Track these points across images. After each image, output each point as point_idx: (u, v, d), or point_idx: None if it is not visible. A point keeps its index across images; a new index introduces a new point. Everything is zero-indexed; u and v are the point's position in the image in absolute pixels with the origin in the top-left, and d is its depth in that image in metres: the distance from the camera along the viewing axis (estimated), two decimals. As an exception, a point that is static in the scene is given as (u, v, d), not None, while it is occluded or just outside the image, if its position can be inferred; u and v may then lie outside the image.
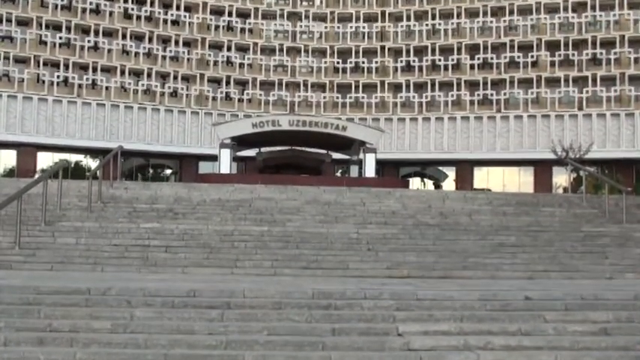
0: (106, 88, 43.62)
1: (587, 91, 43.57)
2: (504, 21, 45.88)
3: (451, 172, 47.03)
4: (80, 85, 43.15)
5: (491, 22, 46.18)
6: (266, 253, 13.49)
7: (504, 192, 33.72)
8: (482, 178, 46.30)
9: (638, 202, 19.08)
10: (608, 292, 9.26)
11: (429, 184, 48.49)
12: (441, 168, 47.83)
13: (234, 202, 17.82)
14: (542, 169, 43.80)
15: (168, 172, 48.16)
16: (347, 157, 37.24)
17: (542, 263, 13.36)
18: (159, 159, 46.80)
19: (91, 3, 44.30)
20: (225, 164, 31.62)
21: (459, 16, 46.73)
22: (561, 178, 42.76)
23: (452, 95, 45.47)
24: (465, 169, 45.68)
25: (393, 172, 46.19)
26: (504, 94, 44.85)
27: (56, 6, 43.50)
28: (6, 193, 14.99)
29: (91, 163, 43.97)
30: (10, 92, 41.40)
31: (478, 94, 45.10)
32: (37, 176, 35.99)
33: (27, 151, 41.81)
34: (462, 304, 8.57)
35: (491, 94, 44.97)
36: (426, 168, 48.14)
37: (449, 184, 46.91)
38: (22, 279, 9.85)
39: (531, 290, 9.34)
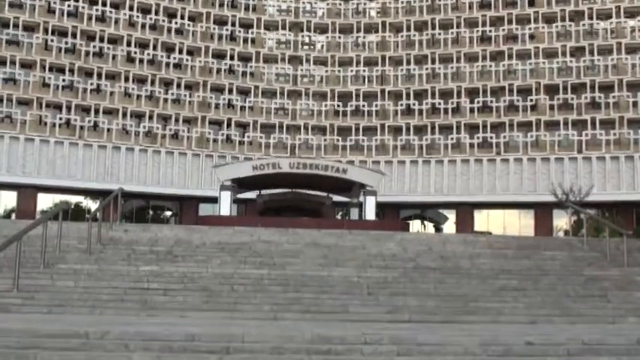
0: (108, 130, 43.83)
1: (586, 134, 43.76)
2: (503, 65, 46.29)
3: (451, 215, 46.97)
4: (82, 127, 43.36)
5: (491, 66, 46.60)
6: (266, 296, 13.41)
7: (505, 235, 33.68)
8: (483, 220, 46.23)
9: (639, 245, 19.02)
10: (611, 337, 9.18)
11: (430, 227, 48.41)
12: (441, 210, 47.79)
13: (234, 244, 17.77)
14: (542, 211, 43.75)
15: (169, 214, 48.13)
16: (347, 199, 37.27)
17: (543, 307, 13.27)
18: (159, 201, 46.82)
19: (94, 46, 44.77)
20: (226, 206, 31.66)
21: (458, 60, 47.17)
22: (562, 221, 42.69)
23: (452, 138, 45.64)
24: (465, 211, 45.63)
25: (394, 214, 46.13)
26: (504, 137, 45.03)
27: (60, 49, 43.93)
28: (5, 235, 14.96)
29: (92, 204, 43.95)
30: (12, 134, 41.59)
31: (478, 137, 45.27)
32: (37, 218, 35.95)
33: (27, 192, 41.84)
34: (463, 349, 8.49)
35: (491, 137, 45.15)
36: (427, 210, 48.10)
37: (449, 227, 46.83)
38: (20, 322, 9.77)
39: (533, 335, 9.26)
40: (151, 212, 47.16)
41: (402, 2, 49.15)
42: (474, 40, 47.32)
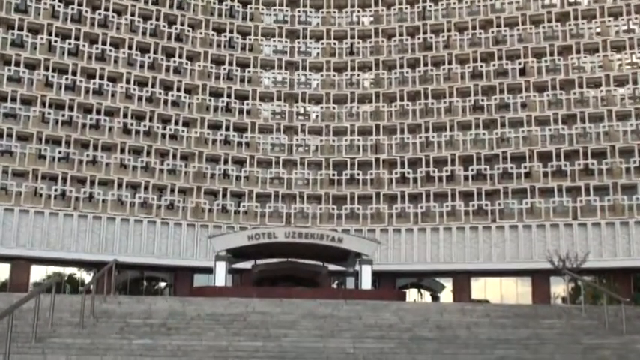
0: (103, 201, 43.88)
1: (580, 201, 43.94)
2: (496, 133, 46.79)
3: (448, 283, 46.70)
4: (77, 199, 43.42)
5: (484, 134, 47.10)
6: (261, 369, 13.18)
7: (502, 303, 33.42)
8: (480, 288, 45.94)
9: (637, 312, 18.87)
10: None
11: (427, 296, 48.05)
12: (437, 279, 47.55)
13: (228, 315, 17.57)
14: (539, 278, 43.55)
15: (163, 284, 47.74)
16: (343, 268, 37.02)
17: (543, 377, 13.06)
18: (154, 272, 46.53)
19: (91, 119, 45.22)
20: (221, 277, 31.38)
21: (451, 128, 47.69)
22: (559, 288, 42.45)
23: (447, 206, 45.76)
24: (462, 279, 45.38)
25: (390, 283, 45.85)
26: (499, 204, 45.18)
27: (57, 121, 44.35)
28: (-3, 309, 14.77)
29: (85, 276, 43.66)
30: (7, 205, 41.58)
31: (473, 205, 45.40)
32: (30, 290, 35.66)
33: (21, 264, 41.56)
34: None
35: (486, 205, 45.28)
36: (423, 279, 47.85)
37: (446, 295, 46.50)
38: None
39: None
40: (145, 283, 46.81)
41: (395, 73, 49.98)
42: (467, 109, 47.98)
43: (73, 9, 46.56)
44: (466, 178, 46.37)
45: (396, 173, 47.49)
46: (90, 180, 44.11)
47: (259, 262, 35.98)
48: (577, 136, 45.70)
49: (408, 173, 47.23)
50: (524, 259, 43.66)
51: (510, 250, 44.22)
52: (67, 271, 43.97)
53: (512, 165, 45.74)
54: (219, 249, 32.28)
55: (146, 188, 45.24)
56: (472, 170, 46.29)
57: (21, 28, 45.01)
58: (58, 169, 43.67)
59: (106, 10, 47.52)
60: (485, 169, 46.19)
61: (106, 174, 44.60)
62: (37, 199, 42.75)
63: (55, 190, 43.01)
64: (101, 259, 37.81)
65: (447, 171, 46.59)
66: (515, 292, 45.03)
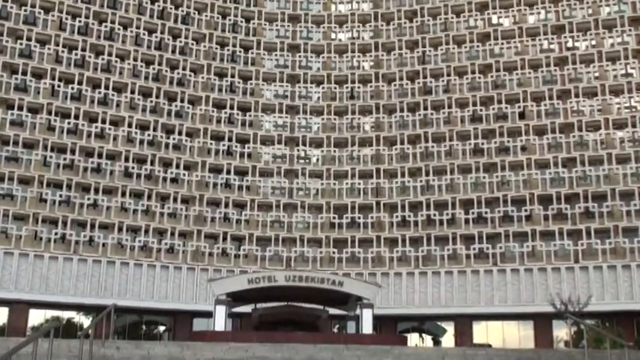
0: (103, 244, 43.79)
1: (582, 244, 43.83)
2: (496, 176, 46.87)
3: (450, 327, 46.32)
4: (77, 242, 43.34)
5: (484, 177, 47.18)
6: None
7: (505, 348, 33.04)
8: (482, 332, 45.54)
9: (641, 357, 18.66)
10: None
11: (428, 340, 47.60)
12: (439, 323, 47.17)
13: (228, 361, 17.38)
14: (541, 322, 43.20)
15: (162, 329, 47.35)
16: (344, 312, 36.78)
17: None
18: (153, 316, 46.19)
19: (92, 162, 45.37)
20: (220, 321, 31.15)
21: (452, 172, 47.80)
22: (562, 332, 42.12)
23: (448, 249, 45.63)
24: (463, 323, 45.02)
25: (391, 327, 45.49)
26: (500, 247, 45.06)
27: (58, 165, 44.48)
28: (-6, 354, 14.63)
29: (84, 320, 43.38)
30: (7, 249, 41.49)
31: (474, 248, 45.28)
32: (27, 335, 35.38)
33: (19, 308, 41.31)
34: None
35: (487, 248, 45.16)
36: (424, 323, 47.47)
37: (448, 339, 46.07)
38: None
39: None
40: (144, 327, 46.41)
41: (395, 116, 50.29)
42: (467, 152, 48.14)
43: (76, 54, 47.06)
44: (467, 221, 46.33)
45: (397, 216, 47.46)
46: (90, 223, 44.05)
47: (259, 306, 35.77)
48: (577, 179, 45.78)
49: (409, 216, 47.20)
50: (526, 302, 43.38)
51: (512, 294, 43.96)
52: (66, 315, 43.67)
53: (513, 208, 45.72)
54: (219, 293, 32.11)
55: (146, 231, 45.18)
56: (473, 213, 46.27)
57: (24, 73, 45.44)
58: (59, 212, 43.67)
59: (110, 55, 48.03)
60: (486, 213, 46.16)
61: (106, 217, 44.58)
62: (37, 242, 42.67)
63: (55, 234, 42.94)
64: (100, 303, 37.70)
65: (447, 214, 46.57)
66: (518, 336, 44.65)
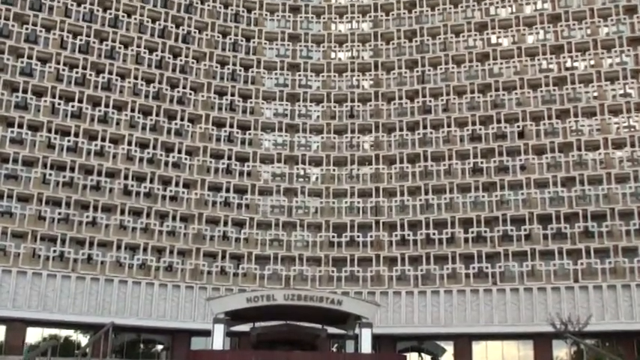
0: (102, 262, 43.69)
1: (581, 263, 43.75)
2: (496, 195, 46.87)
3: (449, 347, 46.08)
4: (75, 260, 43.24)
5: (483, 196, 47.18)
6: None
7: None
8: (481, 351, 45.33)
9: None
10: None
11: (427, 360, 47.40)
12: (438, 342, 46.91)
13: (225, 380, 17.30)
14: (541, 342, 42.99)
15: (160, 347, 47.11)
16: (343, 331, 36.67)
17: None
18: (151, 334, 45.94)
19: (92, 180, 45.36)
20: (219, 340, 31.12)
21: (451, 191, 47.81)
22: (562, 352, 41.92)
23: (447, 268, 45.53)
24: (463, 343, 44.82)
25: (390, 346, 45.28)
26: (499, 267, 44.98)
27: (57, 183, 44.47)
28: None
29: (82, 338, 43.16)
30: (5, 267, 41.37)
31: (473, 267, 45.19)
32: (25, 353, 35.26)
33: (16, 326, 41.08)
34: None
35: (487, 267, 45.07)
36: (424, 342, 47.24)
37: (447, 359, 45.84)
38: None
39: None
40: (142, 346, 46.18)
41: (395, 135, 50.38)
42: (466, 172, 48.21)
43: (77, 72, 47.22)
44: (466, 240, 46.27)
45: (396, 235, 47.39)
46: (89, 241, 43.97)
47: (258, 324, 35.70)
48: (576, 199, 45.78)
49: (408, 235, 47.13)
50: (526, 322, 43.23)
51: (512, 313, 43.81)
52: (64, 333, 43.46)
53: (512, 227, 45.69)
54: (217, 312, 32.07)
55: (145, 250, 45.10)
56: (472, 232, 46.22)
57: (25, 91, 45.54)
58: (58, 230, 43.59)
59: (110, 73, 48.19)
60: (486, 232, 46.13)
61: (105, 235, 44.50)
62: (35, 260, 42.55)
63: (54, 252, 42.84)
64: (98, 322, 37.58)
65: (447, 233, 46.54)
66: (517, 355, 44.45)
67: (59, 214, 43.97)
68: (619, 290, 42.63)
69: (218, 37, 52.12)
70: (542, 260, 44.51)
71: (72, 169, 45.18)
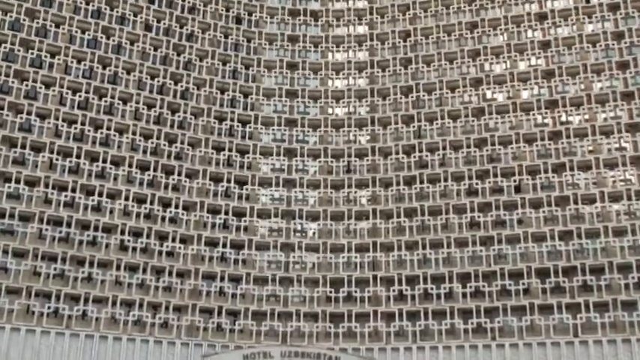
0: (96, 319, 43.25)
1: (581, 318, 43.29)
2: (493, 250, 46.72)
3: (449, 406, 45.27)
4: (70, 317, 42.83)
5: (481, 251, 46.99)
6: None
7: None
8: (482, 410, 44.51)
9: None
10: None
11: (427, 418, 46.46)
12: (438, 400, 46.13)
13: None
14: (543, 400, 42.28)
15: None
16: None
17: None
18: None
19: (88, 235, 45.25)
20: (212, 397, 30.55)
21: (448, 245, 47.65)
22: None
23: (445, 324, 45.03)
24: (463, 400, 44.06)
25: (389, 404, 44.49)
26: (498, 321, 44.50)
27: (53, 238, 44.39)
28: None
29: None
30: (-1, 324, 41.02)
31: (472, 323, 44.69)
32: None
33: (9, 385, 40.50)
34: None
35: (485, 322, 44.59)
36: (423, 401, 46.43)
37: (448, 418, 45.00)
38: None
39: None
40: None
41: (392, 190, 50.46)
42: (463, 226, 48.09)
43: (75, 128, 47.62)
44: (464, 295, 45.89)
45: (394, 290, 47.02)
46: (84, 297, 43.64)
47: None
48: (574, 252, 45.59)
49: (406, 290, 46.76)
50: (526, 378, 42.58)
51: (512, 370, 43.19)
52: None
53: (511, 282, 45.38)
54: (211, 368, 31.62)
55: (141, 305, 44.69)
56: (470, 287, 45.87)
57: (23, 146, 45.83)
58: (53, 285, 43.30)
59: (108, 129, 48.60)
60: (484, 286, 45.79)
61: (100, 291, 44.20)
62: (29, 316, 42.17)
63: (48, 308, 42.49)
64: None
65: (445, 288, 46.18)
66: (518, 413, 43.60)
67: (54, 269, 43.71)
68: (619, 345, 42.10)
69: (216, 92, 52.76)
70: (541, 315, 44.04)
71: (68, 225, 45.15)
